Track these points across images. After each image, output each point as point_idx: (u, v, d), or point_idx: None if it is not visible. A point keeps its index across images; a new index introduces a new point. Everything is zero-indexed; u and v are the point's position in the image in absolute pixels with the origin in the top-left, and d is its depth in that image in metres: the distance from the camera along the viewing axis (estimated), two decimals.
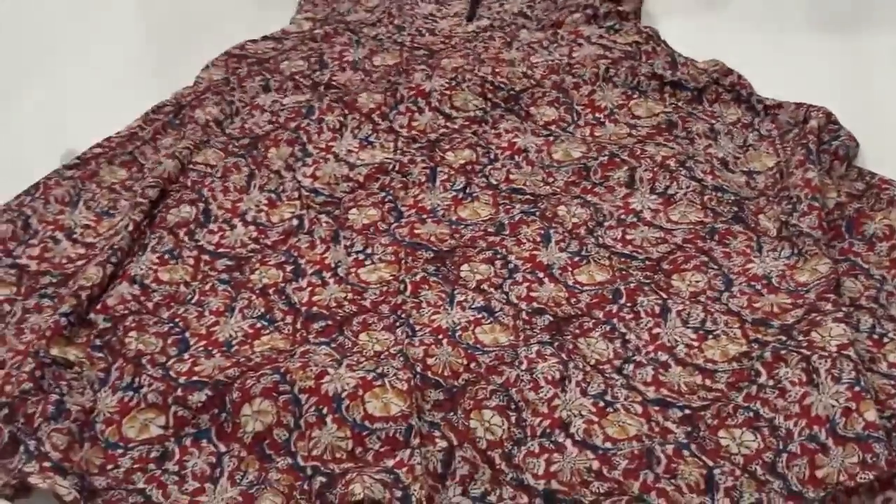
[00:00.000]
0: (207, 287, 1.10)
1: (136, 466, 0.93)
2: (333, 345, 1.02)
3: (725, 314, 1.03)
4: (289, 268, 1.12)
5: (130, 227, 1.14)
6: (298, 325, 1.05)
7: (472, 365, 0.99)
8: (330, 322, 1.05)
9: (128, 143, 1.29)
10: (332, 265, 1.12)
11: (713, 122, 1.28)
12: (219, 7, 1.64)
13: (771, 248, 1.10)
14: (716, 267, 1.09)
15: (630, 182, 1.19)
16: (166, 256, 1.14)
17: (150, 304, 1.08)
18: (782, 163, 1.21)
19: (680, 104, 1.31)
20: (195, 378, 0.98)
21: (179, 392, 0.97)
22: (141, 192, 1.19)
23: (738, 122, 1.29)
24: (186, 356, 1.02)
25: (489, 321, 1.04)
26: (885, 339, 1.00)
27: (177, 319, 1.07)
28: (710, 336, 1.01)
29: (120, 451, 0.94)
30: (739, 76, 1.32)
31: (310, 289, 1.09)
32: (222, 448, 0.94)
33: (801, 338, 0.98)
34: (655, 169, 1.19)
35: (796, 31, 1.53)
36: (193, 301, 1.09)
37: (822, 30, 1.53)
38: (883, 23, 1.54)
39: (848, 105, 1.30)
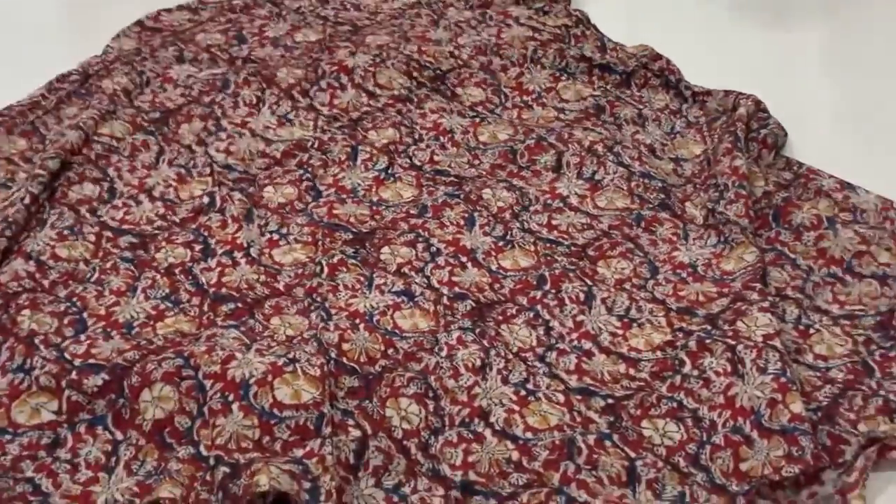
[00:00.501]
0: (108, 265, 1.04)
1: (25, 454, 0.87)
2: (243, 328, 0.97)
3: (650, 302, 1.01)
4: (197, 247, 1.06)
5: (27, 200, 1.07)
6: (206, 307, 1.00)
7: (390, 351, 0.95)
8: (240, 304, 1.00)
9: (29, 112, 1.22)
10: (245, 245, 1.06)
11: (641, 107, 1.26)
12: None
13: (697, 235, 1.08)
14: (641, 254, 1.06)
15: (557, 166, 1.16)
16: (66, 232, 1.07)
17: (45, 282, 1.02)
18: (710, 150, 1.19)
19: (608, 88, 1.28)
20: (91, 361, 0.92)
21: (74, 375, 0.90)
22: (40, 164, 1.12)
23: (666, 109, 1.26)
24: (83, 337, 0.96)
25: (409, 306, 1.00)
26: (811, 330, 0.98)
27: (74, 298, 1.00)
28: (635, 324, 0.99)
29: (8, 437, 0.88)
30: (668, 61, 1.30)
31: (219, 269, 1.04)
32: (119, 436, 0.88)
33: (726, 327, 0.96)
34: (583, 154, 1.16)
35: (725, 19, 1.52)
36: (93, 279, 1.02)
37: (750, 18, 1.53)
38: (810, 13, 1.54)
39: (776, 94, 1.29)
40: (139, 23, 1.38)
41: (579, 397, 0.92)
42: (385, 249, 1.06)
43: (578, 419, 0.90)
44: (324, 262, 1.04)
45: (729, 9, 1.55)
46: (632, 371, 0.95)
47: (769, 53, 1.44)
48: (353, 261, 1.04)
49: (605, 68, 1.29)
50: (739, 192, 1.09)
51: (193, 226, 1.09)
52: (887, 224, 1.08)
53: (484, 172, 1.17)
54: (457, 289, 1.02)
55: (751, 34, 1.48)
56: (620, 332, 0.98)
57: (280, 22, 1.38)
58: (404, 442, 0.88)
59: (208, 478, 0.84)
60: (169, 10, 1.41)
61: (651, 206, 1.12)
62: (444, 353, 0.95)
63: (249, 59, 1.31)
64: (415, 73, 1.28)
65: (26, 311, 0.97)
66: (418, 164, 1.17)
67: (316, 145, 1.18)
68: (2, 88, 1.25)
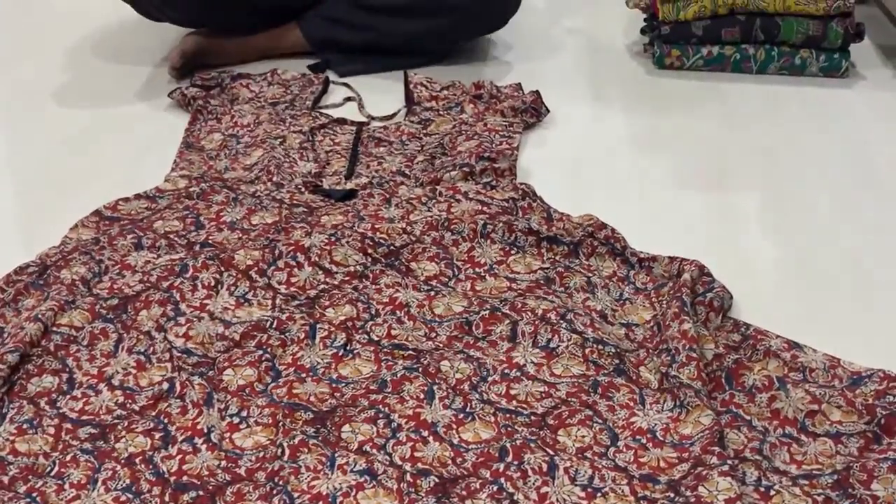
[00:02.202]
0: (68, 458, 1.03)
1: None
2: None
3: (613, 470, 1.02)
4: (157, 435, 1.05)
5: None
6: (167, 497, 0.98)
7: None
8: (201, 492, 0.99)
9: None
10: (205, 430, 1.06)
11: (590, 275, 1.30)
12: (89, 163, 1.61)
13: (653, 400, 1.10)
14: (601, 421, 1.08)
15: (512, 336, 1.19)
16: (25, 426, 1.06)
17: (5, 479, 1.00)
18: (659, 316, 1.23)
19: (557, 259, 1.32)
20: None
21: None
22: None
23: (614, 276, 1.30)
24: None
25: (372, 485, 1.00)
26: (772, 492, 0.99)
27: (34, 494, 0.98)
28: (599, 494, 0.99)
29: None
30: (613, 230, 1.35)
31: (180, 457, 1.03)
32: None
33: (688, 493, 0.96)
34: (536, 322, 1.19)
35: (664, 188, 1.58)
36: (53, 473, 1.01)
37: (688, 182, 1.59)
38: (748, 175, 1.62)
39: (719, 256, 1.34)
40: (97, 212, 1.40)
41: None
42: (346, 427, 1.06)
43: None
44: (285, 444, 1.04)
45: (668, 174, 1.62)
46: None
47: (710, 216, 1.50)
48: (315, 441, 1.04)
49: (553, 240, 1.34)
50: (690, 355, 1.12)
51: (153, 413, 1.08)
52: (836, 382, 1.11)
53: (441, 345, 1.18)
54: (419, 464, 1.03)
55: (690, 198, 1.55)
56: (585, 502, 0.98)
57: (237, 206, 1.42)
58: None
59: None
60: (126, 200, 1.44)
61: (606, 372, 1.14)
62: None
63: (207, 244, 1.34)
64: (369, 250, 1.31)
65: None
66: (376, 339, 1.19)
67: (274, 325, 1.20)
68: None
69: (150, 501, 0.98)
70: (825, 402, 1.08)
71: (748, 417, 1.09)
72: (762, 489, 0.99)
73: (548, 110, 1.75)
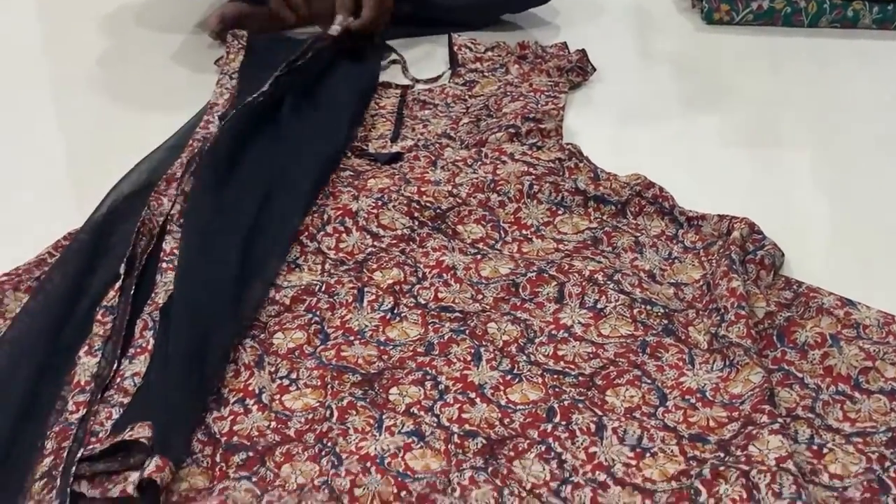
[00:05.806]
0: None
1: None
2: (255, 479, 0.97)
3: (662, 430, 1.01)
4: (210, 397, 1.07)
5: None
6: (218, 458, 1.00)
7: (403, 493, 0.95)
8: (251, 453, 1.00)
9: (35, 269, 1.24)
10: (256, 392, 1.07)
11: (638, 234, 1.28)
12: (136, 138, 1.61)
13: (703, 360, 1.09)
14: (649, 381, 1.07)
15: (559, 297, 1.18)
16: None
17: None
18: (708, 275, 1.21)
19: (605, 218, 1.31)
20: None
21: None
22: None
23: (663, 235, 1.29)
24: None
25: (419, 446, 1.00)
26: (825, 450, 0.98)
27: None
28: (648, 454, 0.98)
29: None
30: (661, 189, 1.33)
31: (231, 417, 1.04)
32: None
33: (739, 452, 0.96)
34: (584, 283, 1.18)
35: (713, 146, 1.56)
36: None
37: (737, 144, 1.57)
38: (792, 137, 1.59)
39: (770, 213, 1.32)
40: None
41: None
42: (393, 390, 1.07)
43: None
44: (333, 406, 1.05)
45: (717, 132, 1.59)
46: (648, 502, 0.94)
47: (760, 174, 1.48)
48: (363, 403, 1.05)
49: (600, 199, 1.32)
50: (739, 312, 1.10)
51: None
52: (890, 339, 1.09)
53: (488, 307, 1.18)
54: (467, 426, 1.03)
55: (740, 156, 1.52)
56: (634, 462, 0.98)
57: None
58: None
59: None
60: None
61: (655, 332, 1.13)
62: (457, 494, 0.94)
63: None
64: (416, 214, 1.31)
65: None
66: (423, 302, 1.19)
67: (323, 289, 1.21)
68: (12, 252, 1.27)
69: (202, 462, 0.99)
70: (879, 358, 1.06)
71: (800, 375, 1.07)
72: (815, 447, 0.98)
73: (594, 69, 1.73)
